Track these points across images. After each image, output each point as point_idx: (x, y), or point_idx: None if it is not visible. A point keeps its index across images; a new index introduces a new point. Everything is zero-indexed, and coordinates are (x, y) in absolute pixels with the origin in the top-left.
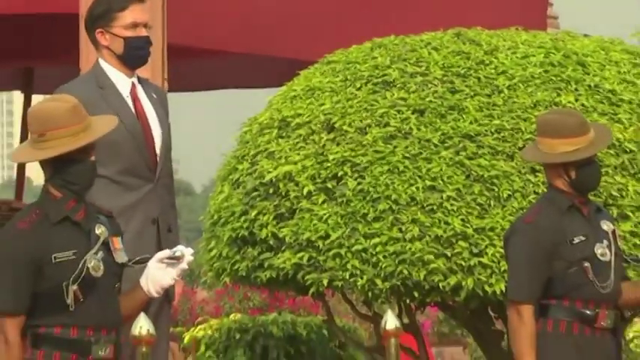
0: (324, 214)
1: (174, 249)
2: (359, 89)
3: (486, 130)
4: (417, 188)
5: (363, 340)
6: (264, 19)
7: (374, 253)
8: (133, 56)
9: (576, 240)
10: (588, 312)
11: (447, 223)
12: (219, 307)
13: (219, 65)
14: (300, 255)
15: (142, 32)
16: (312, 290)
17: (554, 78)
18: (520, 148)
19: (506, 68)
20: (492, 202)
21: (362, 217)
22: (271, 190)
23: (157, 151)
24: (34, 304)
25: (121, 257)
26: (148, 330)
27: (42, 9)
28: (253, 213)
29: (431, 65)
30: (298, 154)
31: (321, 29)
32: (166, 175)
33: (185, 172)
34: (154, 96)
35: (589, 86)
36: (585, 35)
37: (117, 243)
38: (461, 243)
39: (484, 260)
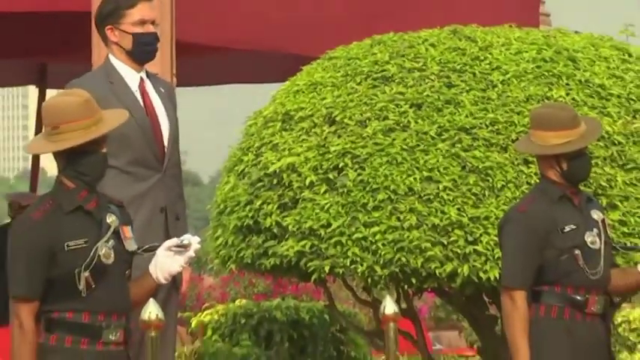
0: (326, 204)
1: (182, 237)
2: (359, 84)
3: (481, 123)
4: (415, 179)
5: (363, 325)
6: (269, 17)
7: (373, 241)
8: (141, 52)
9: (567, 228)
10: (579, 298)
11: (443, 212)
12: (225, 293)
13: (226, 61)
14: (302, 243)
15: (150, 29)
16: (314, 277)
17: (546, 73)
18: (513, 141)
19: (500, 64)
20: (487, 192)
21: (362, 207)
22: (275, 181)
23: (165, 142)
24: (47, 291)
25: (130, 245)
26: (157, 315)
27: (55, 7)
28: (258, 202)
29: (428, 61)
30: (301, 146)
31: (323, 27)
32: (174, 166)
33: (193, 164)
34: (162, 90)
35: (579, 81)
36: (576, 32)
37: (127, 232)
38: (457, 231)
39: (479, 248)
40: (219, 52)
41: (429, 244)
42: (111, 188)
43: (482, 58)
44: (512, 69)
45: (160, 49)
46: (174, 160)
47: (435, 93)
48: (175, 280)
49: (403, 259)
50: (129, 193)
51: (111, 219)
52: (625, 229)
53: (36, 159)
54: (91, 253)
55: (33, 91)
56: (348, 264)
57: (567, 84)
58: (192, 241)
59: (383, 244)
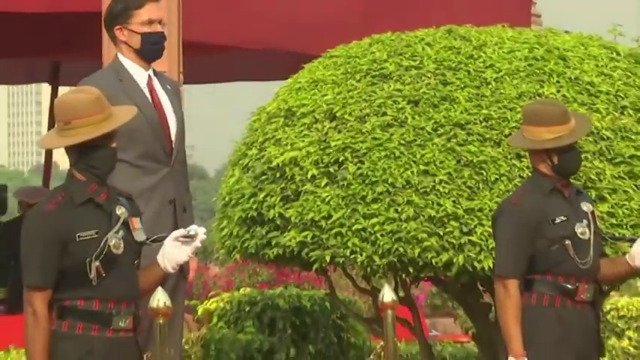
0: (327, 196)
1: (189, 228)
2: (358, 81)
3: (475, 119)
4: (412, 172)
5: (363, 312)
6: (273, 18)
7: (372, 232)
8: (149, 50)
9: (558, 220)
10: (569, 286)
11: (439, 204)
12: (231, 281)
13: (231, 60)
14: (304, 234)
15: (158, 28)
16: (315, 266)
17: (537, 71)
18: (506, 136)
19: (494, 62)
20: (481, 185)
21: (361, 199)
22: (278, 174)
23: (173, 137)
24: (59, 280)
25: (139, 236)
26: (165, 303)
27: (67, 8)
28: (261, 195)
29: (425, 59)
30: (303, 140)
31: (324, 27)
32: (181, 161)
33: (199, 158)
34: (169, 87)
35: (569, 79)
36: (566, 32)
37: (136, 223)
38: (452, 223)
39: (473, 238)
40: (224, 51)
41: (425, 235)
42: (121, 181)
43: (476, 56)
44: (505, 67)
45: (168, 48)
46: (181, 155)
47: (432, 90)
48: (183, 269)
49: (401, 249)
50: (139, 186)
51: (120, 211)
52: (613, 221)
53: (49, 153)
54: (102, 244)
55: (46, 88)
56: (348, 254)
57: (558, 81)
58: (199, 231)
59: (381, 235)
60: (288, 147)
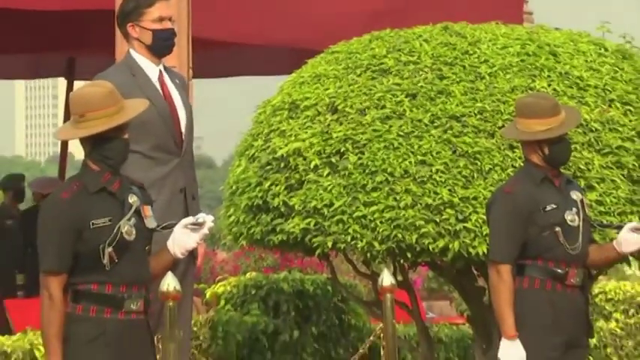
0: (329, 185)
1: (197, 216)
2: (359, 76)
3: (470, 112)
4: (410, 162)
5: (363, 296)
6: (277, 16)
7: (372, 219)
8: (160, 46)
9: (549, 208)
10: (559, 271)
11: (436, 192)
12: (237, 266)
13: (238, 55)
14: (307, 221)
15: (168, 25)
16: (318, 252)
17: (529, 66)
18: (500, 128)
19: (488, 57)
20: (475, 175)
21: (362, 188)
22: (282, 164)
23: (183, 129)
24: (74, 265)
25: (150, 223)
26: (175, 287)
27: (83, 6)
28: (267, 184)
29: (422, 55)
30: (306, 132)
31: (326, 24)
32: (190, 151)
33: (208, 148)
34: (177, 82)
35: (560, 73)
36: (556, 29)
37: (147, 211)
38: (448, 210)
39: (468, 225)
40: (232, 47)
41: (422, 222)
42: (134, 171)
43: (471, 52)
44: (499, 62)
45: (177, 44)
46: (190, 146)
47: (429, 84)
48: (192, 254)
49: (399, 235)
50: (151, 176)
51: (133, 199)
52: (601, 209)
53: (64, 144)
54: (114, 231)
55: (62, 83)
56: (349, 240)
57: (549, 76)
58: (207, 219)
59: (381, 222)
60: (292, 138)
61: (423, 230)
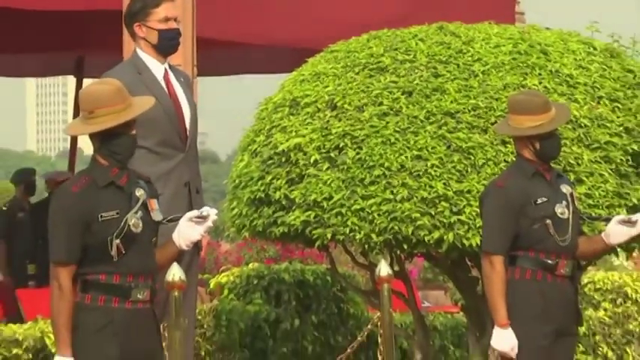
0: (328, 179)
1: (202, 209)
2: (357, 74)
3: (464, 109)
4: (406, 157)
5: (361, 285)
6: (279, 16)
7: (370, 211)
8: (165, 46)
9: (539, 201)
10: (550, 262)
11: (431, 186)
12: (240, 257)
13: (241, 54)
14: (307, 213)
15: (173, 25)
16: (317, 243)
17: (521, 64)
18: (493, 124)
19: (481, 56)
20: (469, 169)
21: (360, 182)
22: (283, 159)
23: (187, 126)
24: (83, 256)
25: (156, 216)
26: (180, 277)
27: (92, 6)
28: (268, 178)
29: (418, 53)
30: (306, 128)
31: (326, 24)
32: (194, 147)
33: (212, 144)
34: (182, 80)
35: (550, 71)
36: (547, 28)
37: (153, 204)
38: (443, 203)
39: (462, 218)
40: (235, 47)
41: (418, 215)
42: (141, 166)
43: (465, 51)
44: (492, 60)
45: (182, 44)
46: (194, 141)
47: (424, 82)
48: (197, 246)
49: (396, 227)
50: (157, 170)
51: (139, 193)
52: (590, 202)
53: (74, 140)
54: (122, 223)
55: (71, 80)
56: (348, 232)
57: (540, 74)
58: (211, 212)
59: (378, 215)
60: (293, 134)
61: (418, 222)
